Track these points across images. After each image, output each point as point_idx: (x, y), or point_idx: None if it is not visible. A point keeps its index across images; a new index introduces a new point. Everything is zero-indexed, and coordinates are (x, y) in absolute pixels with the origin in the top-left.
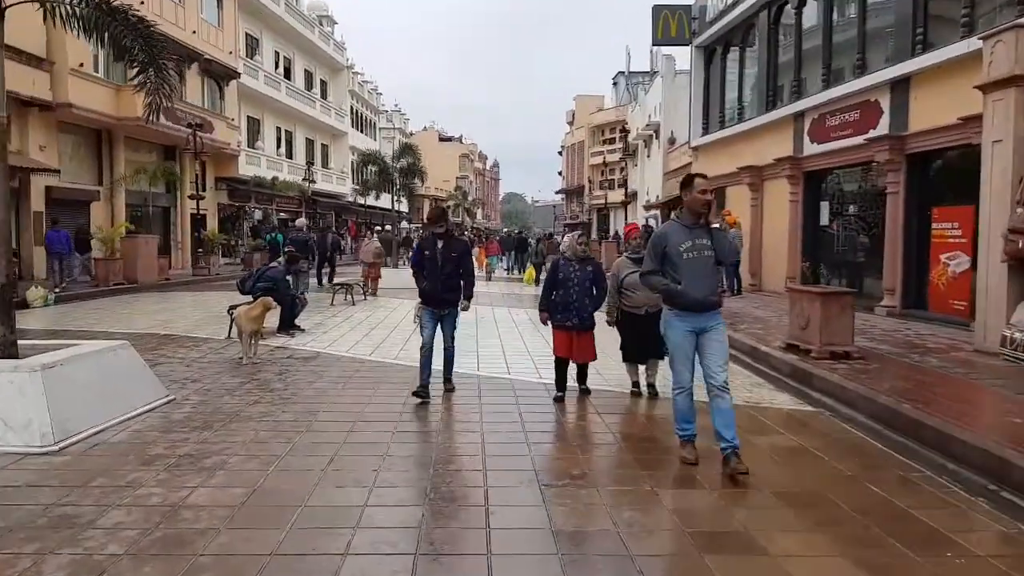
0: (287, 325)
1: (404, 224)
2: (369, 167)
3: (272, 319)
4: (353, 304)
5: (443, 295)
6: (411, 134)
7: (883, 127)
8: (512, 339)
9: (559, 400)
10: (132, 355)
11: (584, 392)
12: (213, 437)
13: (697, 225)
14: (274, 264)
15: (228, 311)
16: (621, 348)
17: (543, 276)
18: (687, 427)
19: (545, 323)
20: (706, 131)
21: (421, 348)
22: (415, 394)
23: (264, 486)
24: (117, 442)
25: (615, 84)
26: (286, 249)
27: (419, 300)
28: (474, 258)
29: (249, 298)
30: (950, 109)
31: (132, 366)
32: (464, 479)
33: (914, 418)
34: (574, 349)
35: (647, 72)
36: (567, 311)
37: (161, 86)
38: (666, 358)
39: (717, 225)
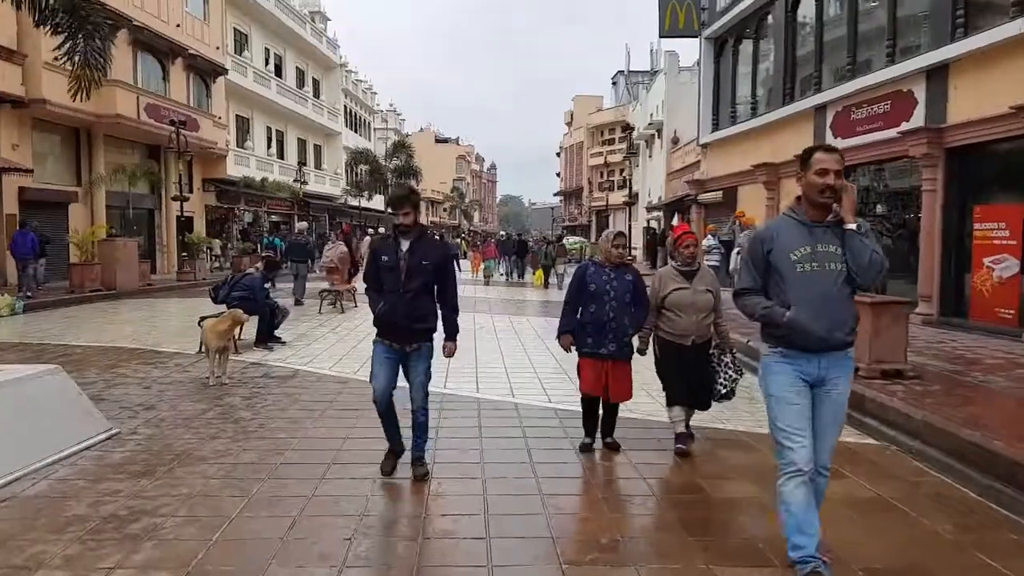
0: (265, 338)
1: None
2: (360, 166)
3: (251, 330)
4: (342, 312)
5: (407, 324)
6: (407, 135)
7: (918, 119)
8: (515, 353)
9: (587, 449)
10: (64, 382)
11: (611, 447)
12: (152, 488)
13: (821, 223)
14: (251, 270)
15: (199, 323)
16: (665, 387)
17: (552, 280)
18: (804, 543)
19: (568, 349)
20: (716, 127)
21: (374, 402)
22: (382, 470)
23: (201, 567)
24: (30, 496)
25: (614, 84)
26: (263, 255)
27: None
28: (467, 263)
29: (224, 308)
30: (998, 97)
31: (64, 396)
32: (461, 553)
33: (1014, 459)
34: (609, 384)
35: (647, 71)
36: (600, 334)
37: (92, 58)
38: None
39: (853, 226)
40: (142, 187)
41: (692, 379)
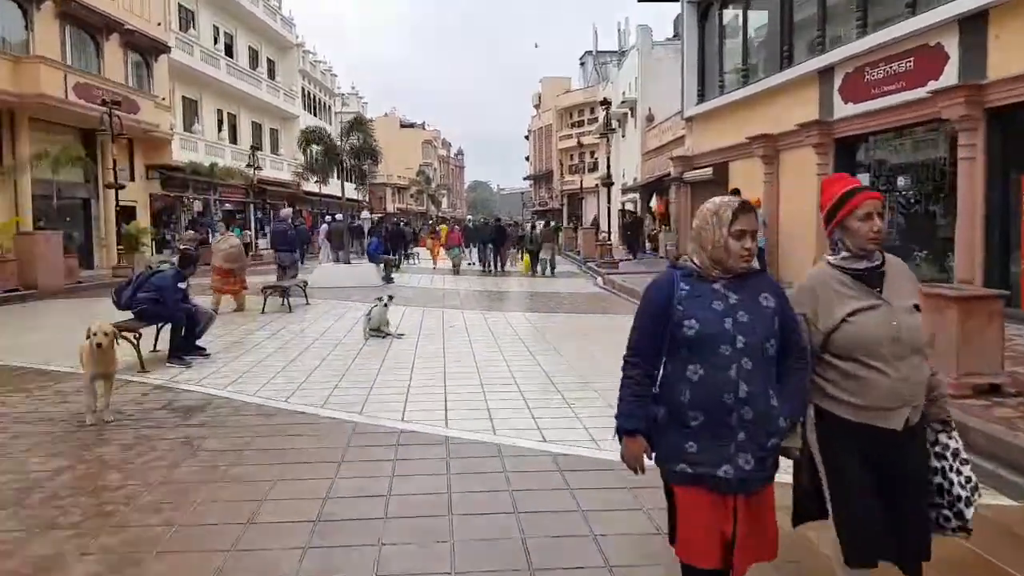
0: (181, 351)
1: (365, 214)
2: (312, 147)
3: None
4: (290, 311)
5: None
6: (371, 120)
7: (950, 76)
8: (493, 363)
9: None
10: None
11: None
12: None
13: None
14: (161, 267)
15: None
16: (838, 525)
17: (539, 268)
18: None
19: (639, 467)
20: (701, 99)
21: None
22: None
23: None
24: None
25: (582, 64)
26: (180, 247)
27: (373, 305)
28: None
29: (130, 315)
30: None
31: None
32: None
33: None
34: (737, 541)
35: (615, 52)
36: (718, 432)
37: None
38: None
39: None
40: (74, 175)
41: (904, 505)
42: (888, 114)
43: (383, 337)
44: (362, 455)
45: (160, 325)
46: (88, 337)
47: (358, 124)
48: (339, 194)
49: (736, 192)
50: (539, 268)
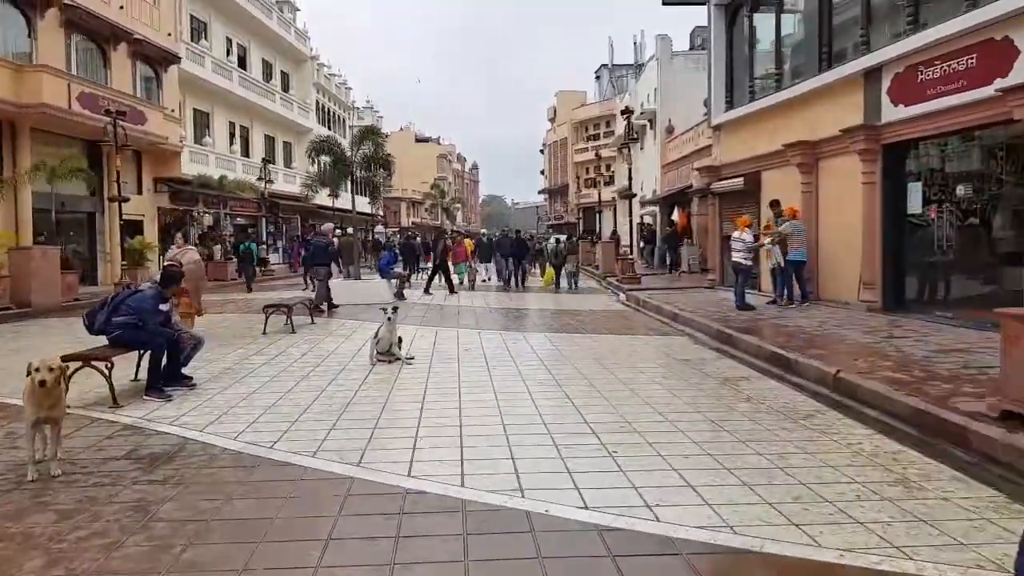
0: (161, 383)
1: (380, 228)
2: (321, 157)
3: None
4: (292, 332)
5: None
6: (387, 135)
7: (1020, 72)
8: (515, 396)
9: None
10: None
11: None
12: None
13: None
14: (143, 287)
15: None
16: None
17: (563, 281)
18: None
19: None
20: (730, 106)
21: None
22: None
23: None
24: None
25: (598, 78)
26: (167, 263)
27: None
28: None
29: (103, 340)
30: None
31: None
32: None
33: None
34: None
35: (631, 65)
36: None
37: None
38: None
39: None
40: (78, 187)
41: None
42: (946, 116)
43: (391, 362)
44: (356, 529)
45: (142, 352)
46: (29, 373)
47: (370, 133)
48: (345, 206)
49: (776, 203)
50: (564, 282)
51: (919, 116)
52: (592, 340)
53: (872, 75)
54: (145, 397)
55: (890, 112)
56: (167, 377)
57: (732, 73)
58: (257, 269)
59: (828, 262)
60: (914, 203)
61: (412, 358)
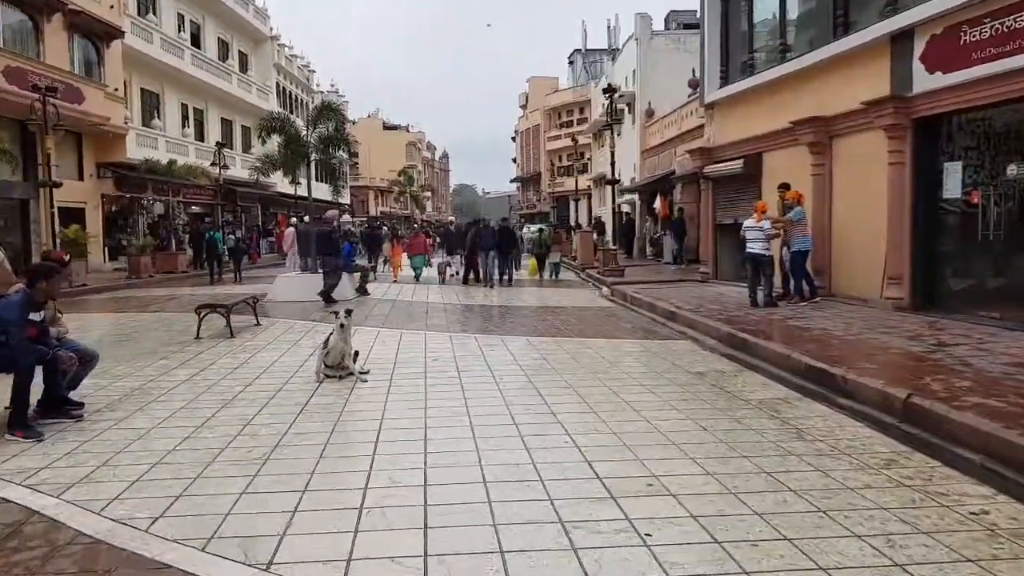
0: (43, 409)
1: (346, 217)
2: (272, 137)
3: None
4: (231, 336)
5: None
6: (354, 122)
7: None
8: (498, 429)
9: None
10: None
11: None
12: None
13: None
14: (14, 288)
15: None
16: None
17: (547, 272)
18: None
19: None
20: (725, 81)
21: None
22: None
23: None
24: None
25: (571, 63)
26: (42, 254)
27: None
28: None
29: None
30: None
31: None
32: None
33: None
34: None
35: (606, 49)
36: None
37: None
38: None
39: None
40: (6, 172)
41: None
42: (998, 83)
43: (342, 377)
44: None
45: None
46: None
47: (327, 110)
48: (317, 196)
49: (785, 187)
50: (547, 272)
51: (961, 84)
52: (582, 346)
53: (901, 39)
54: (7, 437)
55: (924, 81)
56: (47, 405)
57: (728, 45)
58: (228, 260)
59: (842, 253)
60: (952, 186)
61: (368, 372)
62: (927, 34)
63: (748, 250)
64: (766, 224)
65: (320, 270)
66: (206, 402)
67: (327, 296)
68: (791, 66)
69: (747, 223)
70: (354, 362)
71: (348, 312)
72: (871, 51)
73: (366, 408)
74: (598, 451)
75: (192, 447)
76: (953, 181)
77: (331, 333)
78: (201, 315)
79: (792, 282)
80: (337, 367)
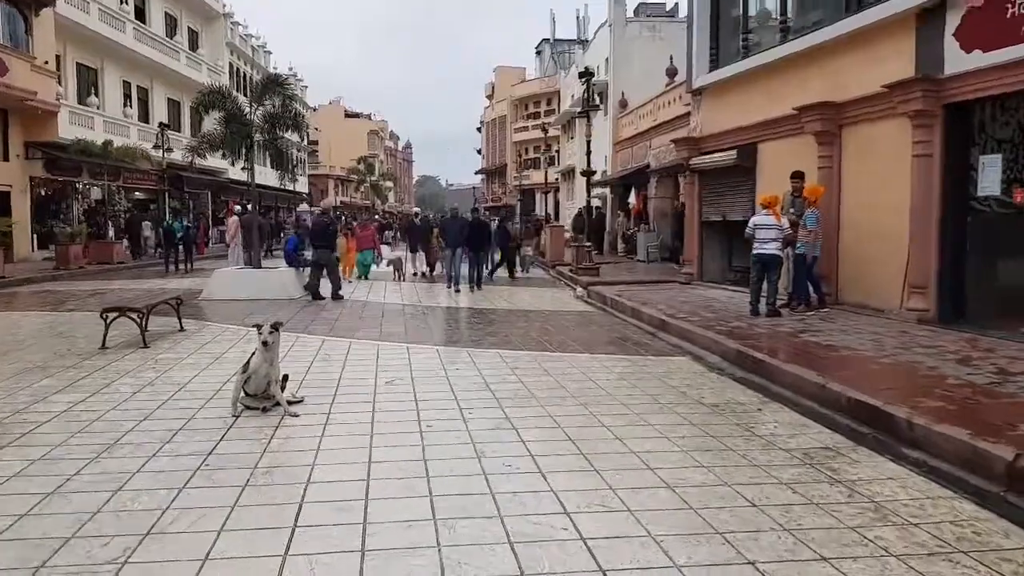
0: None
1: (303, 207)
2: (210, 113)
3: None
4: (144, 346)
5: None
6: (315, 109)
7: None
8: (465, 488)
9: None
10: None
11: None
12: None
13: None
14: None
15: None
16: None
17: (519, 269)
18: None
19: None
20: (715, 65)
21: None
22: None
23: None
24: None
25: (539, 53)
26: None
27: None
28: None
29: None
30: None
31: None
32: None
33: None
34: None
35: (575, 40)
36: None
37: None
38: None
39: None
40: None
41: None
42: None
43: (265, 410)
44: None
45: None
46: None
47: (273, 84)
48: (276, 184)
49: (799, 176)
50: (518, 268)
51: (1005, 65)
52: (565, 363)
53: (930, 14)
54: None
55: (958, 61)
56: None
57: (718, 24)
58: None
59: (852, 257)
60: (990, 182)
61: (300, 400)
62: (962, 7)
63: (760, 250)
64: (787, 223)
65: (254, 262)
66: (78, 445)
67: (315, 291)
68: (796, 45)
69: (758, 219)
70: (282, 389)
71: (275, 326)
72: (892, 28)
73: (294, 453)
74: (613, 548)
75: (36, 524)
76: (991, 177)
77: (252, 354)
78: (108, 320)
79: (796, 288)
80: (260, 396)
